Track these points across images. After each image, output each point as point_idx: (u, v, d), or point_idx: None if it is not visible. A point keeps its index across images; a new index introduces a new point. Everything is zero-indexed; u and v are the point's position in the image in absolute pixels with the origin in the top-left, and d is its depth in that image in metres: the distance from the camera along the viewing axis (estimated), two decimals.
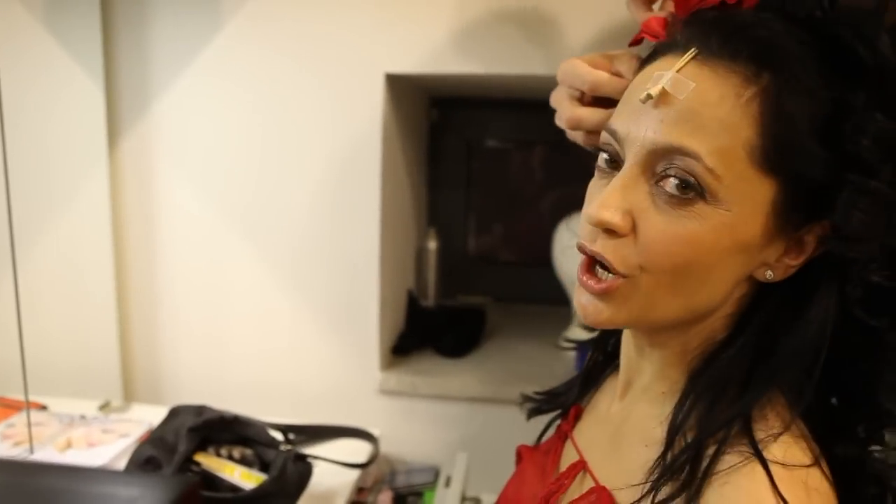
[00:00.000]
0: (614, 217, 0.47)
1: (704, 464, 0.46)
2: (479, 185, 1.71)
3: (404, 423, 1.35)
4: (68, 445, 1.12)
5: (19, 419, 1.19)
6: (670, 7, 0.55)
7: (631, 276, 0.48)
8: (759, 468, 0.44)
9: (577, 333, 1.45)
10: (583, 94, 0.61)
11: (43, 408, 1.24)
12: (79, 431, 1.16)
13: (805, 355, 0.48)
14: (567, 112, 0.62)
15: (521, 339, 1.53)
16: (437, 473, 1.28)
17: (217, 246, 1.31)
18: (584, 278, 0.51)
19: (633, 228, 0.48)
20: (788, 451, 0.46)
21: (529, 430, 0.77)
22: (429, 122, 1.65)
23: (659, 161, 0.47)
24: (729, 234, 0.46)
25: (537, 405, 0.74)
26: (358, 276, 1.30)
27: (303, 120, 1.25)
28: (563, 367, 1.38)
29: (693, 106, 0.46)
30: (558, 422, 0.71)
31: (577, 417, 0.67)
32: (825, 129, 0.45)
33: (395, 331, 1.46)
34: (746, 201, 0.46)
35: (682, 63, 0.47)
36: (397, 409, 1.35)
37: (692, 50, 0.47)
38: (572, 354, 1.42)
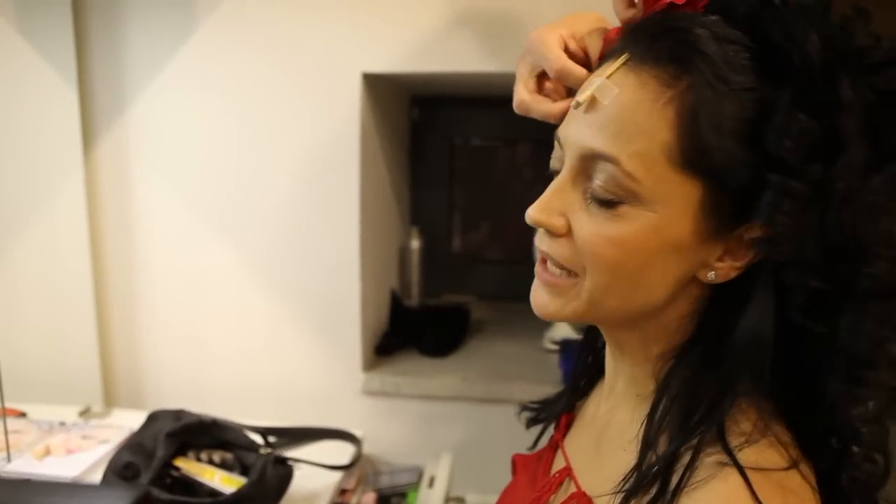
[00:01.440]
0: (548, 218, 0.50)
1: (678, 473, 0.46)
2: (462, 183, 1.71)
3: (387, 424, 1.35)
4: (47, 453, 1.11)
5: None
6: None
7: (578, 274, 0.50)
8: (733, 473, 0.44)
9: (562, 332, 1.45)
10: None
11: (22, 415, 1.23)
12: (58, 438, 1.15)
13: (749, 361, 0.48)
14: (519, 94, 0.60)
15: (505, 338, 1.53)
16: (420, 474, 1.28)
17: (195, 247, 1.31)
18: (539, 270, 0.53)
19: (570, 230, 0.50)
20: (762, 454, 0.45)
21: (513, 430, 0.78)
22: (410, 121, 1.65)
23: (589, 165, 0.48)
24: (656, 235, 0.47)
25: (534, 414, 0.74)
26: (339, 275, 1.30)
27: (279, 120, 1.25)
28: (546, 366, 1.38)
29: (615, 112, 0.47)
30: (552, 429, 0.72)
31: (568, 425, 0.68)
32: (748, 129, 0.45)
33: (378, 331, 1.46)
34: (671, 202, 0.46)
35: (613, 69, 0.48)
36: (380, 410, 1.35)
37: (624, 56, 0.48)
38: (555, 353, 1.42)
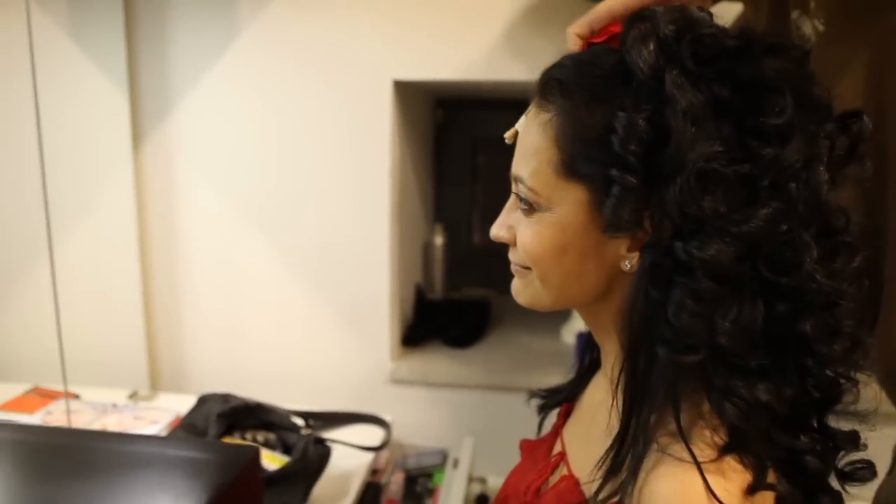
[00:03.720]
0: (499, 232, 0.63)
1: (639, 463, 0.53)
2: (483, 181, 1.78)
3: (414, 410, 1.43)
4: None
5: (56, 406, 1.27)
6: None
7: (529, 268, 0.61)
8: (687, 458, 0.50)
9: (580, 325, 1.52)
10: None
11: (76, 397, 1.32)
12: (112, 418, 1.25)
13: (651, 338, 0.54)
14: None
15: (524, 330, 1.60)
16: (445, 456, 1.36)
17: (236, 243, 1.39)
18: (511, 268, 0.64)
19: (514, 235, 0.62)
20: (707, 449, 0.52)
21: (532, 416, 0.83)
22: (434, 122, 1.72)
23: (515, 186, 0.60)
24: (560, 231, 0.57)
25: (544, 401, 0.81)
26: (370, 271, 1.38)
27: (316, 123, 1.33)
28: (564, 356, 1.45)
29: (523, 143, 0.59)
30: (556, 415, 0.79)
31: (568, 414, 0.75)
32: (602, 136, 0.53)
33: (405, 323, 1.54)
34: (564, 203, 0.57)
35: (529, 110, 0.59)
36: (408, 397, 1.43)
37: (534, 100, 0.59)
38: (573, 344, 1.49)
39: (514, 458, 0.80)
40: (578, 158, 0.55)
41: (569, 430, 0.71)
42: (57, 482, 0.42)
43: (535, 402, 0.81)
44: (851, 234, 0.55)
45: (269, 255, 1.39)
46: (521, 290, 0.64)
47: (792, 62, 0.53)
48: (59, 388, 1.33)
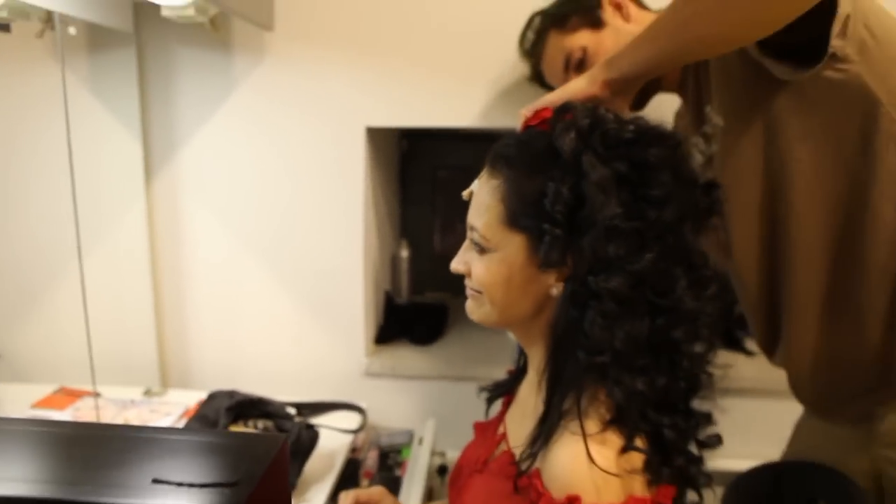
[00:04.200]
0: (458, 266, 0.80)
1: (550, 436, 0.71)
2: (442, 201, 2.03)
3: (385, 398, 1.67)
4: (126, 423, 1.44)
5: (83, 403, 1.49)
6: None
7: (481, 293, 0.78)
8: (578, 432, 0.68)
9: None
10: None
11: (98, 395, 1.55)
12: (132, 412, 1.48)
13: (568, 346, 0.72)
14: None
15: (477, 329, 1.78)
16: (411, 435, 1.57)
17: (233, 263, 1.62)
18: (466, 292, 0.82)
19: (470, 269, 0.79)
20: (596, 424, 0.70)
21: (483, 402, 1.01)
22: (400, 152, 1.96)
23: (470, 232, 0.78)
24: (506, 266, 0.75)
25: (491, 393, 1.00)
26: (347, 282, 1.61)
27: (302, 161, 1.55)
28: (509, 350, 1.71)
29: (477, 199, 0.78)
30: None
31: (509, 402, 0.94)
32: (538, 199, 0.71)
33: (377, 324, 1.78)
34: (508, 247, 0.74)
35: (481, 175, 0.78)
36: (380, 387, 1.67)
37: (487, 165, 0.78)
38: (516, 341, 1.75)
39: (469, 436, 0.98)
40: (519, 214, 0.73)
41: (509, 416, 0.89)
42: (112, 466, 0.50)
43: (484, 394, 1.00)
44: (709, 269, 0.74)
45: (262, 271, 1.62)
46: (474, 309, 0.81)
47: (669, 149, 0.72)
48: (82, 387, 1.55)
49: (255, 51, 1.49)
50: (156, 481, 0.46)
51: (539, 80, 1.29)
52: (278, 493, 0.53)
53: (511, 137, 0.78)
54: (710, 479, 0.78)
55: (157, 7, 1.27)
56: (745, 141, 0.95)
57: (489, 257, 0.76)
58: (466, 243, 0.80)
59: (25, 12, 1.27)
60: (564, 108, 0.77)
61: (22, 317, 1.64)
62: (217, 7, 1.27)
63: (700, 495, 0.78)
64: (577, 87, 0.87)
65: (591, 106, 0.76)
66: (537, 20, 1.23)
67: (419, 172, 2.00)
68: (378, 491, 1.03)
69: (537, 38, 1.22)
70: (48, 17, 1.34)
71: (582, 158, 0.70)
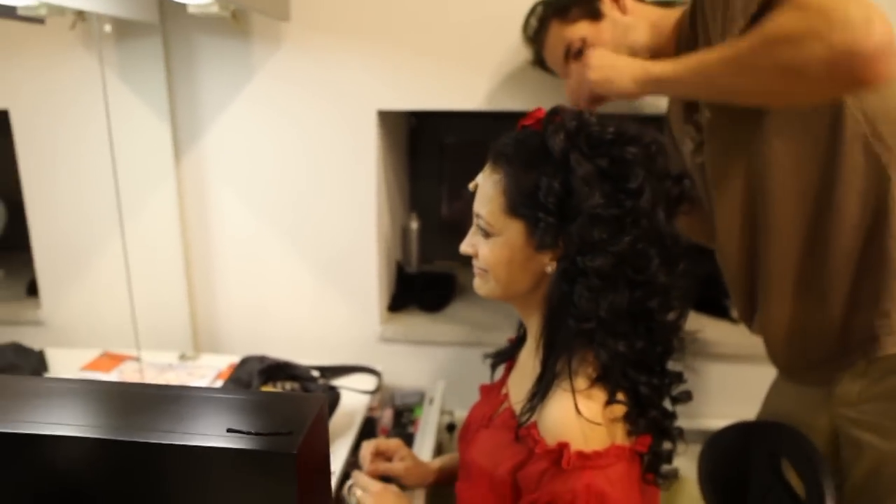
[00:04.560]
0: (466, 248, 0.92)
1: (546, 392, 0.83)
2: (449, 175, 2.12)
3: (399, 362, 1.79)
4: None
5: (126, 366, 1.64)
6: None
7: (487, 271, 0.90)
8: (569, 388, 0.81)
9: None
10: None
11: (137, 359, 1.69)
12: (171, 375, 1.62)
13: (561, 316, 0.84)
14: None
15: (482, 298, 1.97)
16: (423, 396, 1.68)
17: (257, 236, 1.73)
18: (474, 271, 0.94)
19: (477, 252, 0.90)
20: (584, 382, 0.83)
21: (487, 365, 1.13)
22: (409, 128, 2.06)
23: (476, 219, 0.90)
24: (508, 248, 0.86)
25: (494, 359, 1.12)
26: (361, 253, 1.73)
27: (318, 141, 1.65)
28: (512, 316, 1.84)
29: (482, 191, 0.89)
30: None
31: (511, 367, 1.07)
32: (533, 191, 0.82)
33: (390, 293, 1.90)
34: (510, 232, 0.86)
35: (485, 169, 0.90)
36: (394, 352, 1.79)
37: (489, 163, 0.89)
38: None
39: (474, 396, 1.11)
40: (518, 204, 0.85)
41: (511, 379, 1.02)
42: (191, 419, 0.60)
43: (489, 360, 1.13)
44: (680, 248, 0.86)
45: (284, 244, 1.74)
46: (481, 285, 0.93)
47: (644, 147, 0.83)
48: (124, 352, 1.69)
49: (272, 40, 1.59)
50: (230, 430, 0.59)
51: (541, 64, 1.38)
52: (321, 441, 0.66)
53: (509, 137, 0.90)
54: (681, 431, 0.91)
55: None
56: (730, 134, 1.06)
57: (493, 241, 0.88)
58: (473, 228, 0.92)
59: (60, 9, 1.37)
60: (554, 111, 0.88)
61: (66, 288, 1.77)
62: (238, 4, 1.36)
63: (674, 444, 0.91)
64: (622, 77, 1.01)
65: (578, 110, 0.87)
66: (540, 9, 1.31)
67: (427, 147, 2.09)
68: (395, 442, 1.17)
69: (539, 27, 1.30)
70: (80, 11, 1.44)
71: (570, 156, 0.81)
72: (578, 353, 0.85)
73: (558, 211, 0.82)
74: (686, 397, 0.92)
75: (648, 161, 0.84)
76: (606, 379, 0.84)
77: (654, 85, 1.01)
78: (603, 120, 0.86)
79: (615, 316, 0.82)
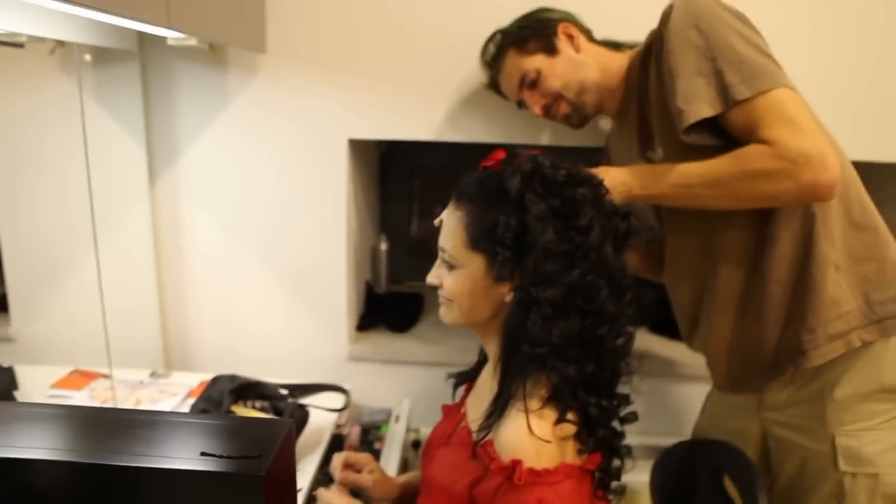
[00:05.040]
0: (432, 279, 0.99)
1: (502, 412, 0.88)
2: (418, 198, 2.19)
3: (367, 380, 1.84)
4: (138, 402, 1.61)
5: (98, 384, 1.66)
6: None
7: (452, 300, 0.97)
8: (522, 409, 0.87)
9: None
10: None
11: (106, 377, 1.72)
12: (143, 392, 1.65)
13: (515, 342, 0.91)
14: None
15: None
16: (389, 414, 1.74)
17: (229, 258, 1.78)
18: (440, 300, 1.00)
19: (442, 283, 0.97)
20: (536, 403, 0.91)
21: (450, 384, 1.19)
22: (380, 152, 2.13)
23: (441, 252, 0.97)
24: (471, 280, 0.93)
25: (456, 380, 1.18)
26: (332, 274, 1.77)
27: (291, 166, 1.70)
28: (477, 340, 1.90)
29: (446, 226, 0.96)
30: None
31: (471, 388, 1.13)
32: (491, 228, 0.89)
33: (358, 312, 1.95)
34: (471, 265, 0.92)
35: (449, 206, 0.97)
36: (362, 370, 1.84)
37: (453, 201, 0.96)
38: None
39: (439, 414, 1.16)
40: (479, 239, 0.92)
41: (470, 399, 1.09)
42: (163, 442, 0.63)
43: (451, 380, 1.19)
44: (627, 280, 0.93)
45: (255, 266, 1.78)
46: (446, 314, 1.00)
47: (593, 188, 0.91)
48: (95, 369, 1.72)
49: (248, 69, 1.64)
50: (203, 454, 0.65)
51: (496, 88, 1.46)
52: (288, 463, 0.72)
53: (472, 177, 0.97)
54: (629, 449, 0.99)
55: None
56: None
57: (457, 273, 0.95)
58: (438, 261, 1.00)
59: (41, 37, 1.41)
60: (513, 155, 0.96)
61: (37, 304, 1.79)
62: (216, 39, 1.42)
63: (622, 462, 0.98)
64: (613, 183, 1.07)
65: (533, 154, 0.95)
66: (499, 37, 1.39)
67: (397, 170, 2.15)
68: (365, 456, 1.22)
69: (497, 54, 1.39)
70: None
71: (525, 196, 0.89)
72: (532, 376, 0.91)
73: (515, 245, 0.89)
74: (633, 417, 0.99)
75: (597, 200, 0.92)
76: (557, 399, 0.90)
77: (635, 199, 1.12)
78: (556, 163, 0.94)
79: (566, 342, 0.89)
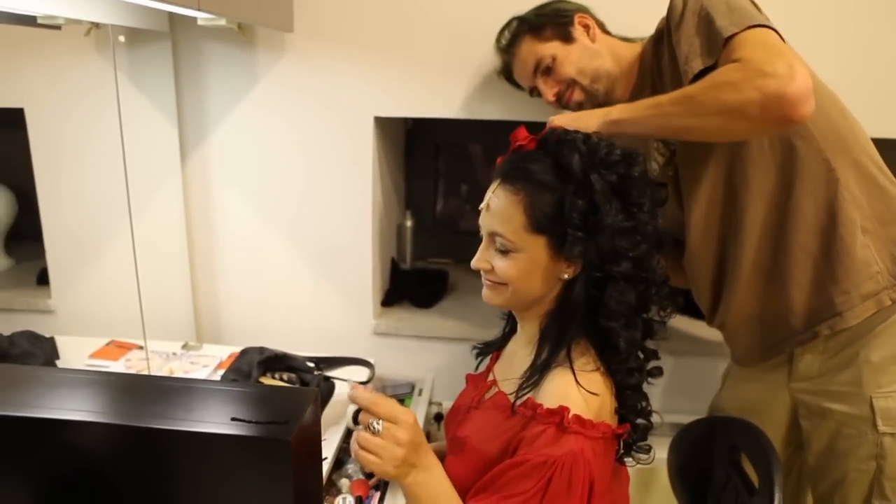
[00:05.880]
0: (479, 264, 1.00)
1: (545, 372, 0.94)
2: (443, 175, 2.22)
3: (391, 354, 1.88)
4: (171, 373, 1.67)
5: (133, 355, 1.73)
6: None
7: (503, 284, 0.98)
8: (569, 371, 0.92)
9: None
10: None
11: (140, 348, 1.78)
12: (175, 363, 1.71)
13: (574, 315, 0.95)
14: None
15: (472, 293, 2.04)
16: (413, 387, 1.79)
17: (258, 232, 1.82)
18: (484, 280, 1.02)
19: (492, 267, 0.98)
20: (584, 364, 0.95)
21: (471, 363, 1.22)
22: (405, 129, 2.15)
23: (492, 236, 0.97)
24: (531, 263, 0.94)
25: (481, 351, 1.22)
26: (358, 251, 1.81)
27: (318, 144, 1.74)
28: (499, 314, 1.93)
29: (496, 211, 0.96)
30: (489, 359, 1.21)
31: (498, 358, 1.17)
32: (556, 209, 0.91)
33: (384, 288, 2.00)
34: (531, 248, 0.94)
35: (492, 189, 0.98)
36: (386, 345, 1.88)
37: (497, 182, 0.97)
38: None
39: (461, 387, 1.20)
40: (542, 222, 0.93)
41: (497, 368, 1.13)
42: (197, 408, 0.68)
43: (476, 351, 1.22)
44: (664, 240, 0.98)
45: (283, 241, 1.83)
46: (494, 296, 1.01)
47: (642, 164, 0.96)
48: (130, 341, 1.78)
49: (276, 49, 1.67)
50: (234, 419, 0.69)
51: (507, 74, 1.48)
52: (314, 430, 0.76)
53: (517, 160, 0.99)
54: (652, 424, 1.03)
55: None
56: (702, 151, 1.19)
57: (514, 256, 0.96)
58: (485, 245, 1.00)
59: (77, 19, 1.45)
60: (553, 134, 0.98)
61: (76, 278, 1.86)
62: (245, 19, 1.45)
63: (649, 423, 1.03)
64: (588, 123, 1.09)
65: (584, 134, 0.98)
66: (515, 24, 1.41)
67: (422, 147, 2.17)
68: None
69: (513, 40, 1.40)
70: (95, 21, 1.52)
71: (590, 176, 0.92)
72: (580, 345, 0.97)
73: (584, 225, 0.92)
74: (658, 372, 1.03)
75: (646, 175, 0.97)
76: (603, 362, 0.96)
77: (615, 125, 1.10)
78: (608, 141, 0.97)
79: (632, 311, 0.95)
